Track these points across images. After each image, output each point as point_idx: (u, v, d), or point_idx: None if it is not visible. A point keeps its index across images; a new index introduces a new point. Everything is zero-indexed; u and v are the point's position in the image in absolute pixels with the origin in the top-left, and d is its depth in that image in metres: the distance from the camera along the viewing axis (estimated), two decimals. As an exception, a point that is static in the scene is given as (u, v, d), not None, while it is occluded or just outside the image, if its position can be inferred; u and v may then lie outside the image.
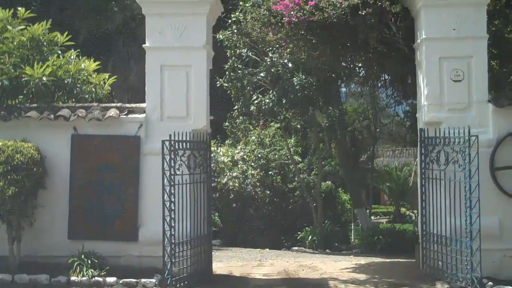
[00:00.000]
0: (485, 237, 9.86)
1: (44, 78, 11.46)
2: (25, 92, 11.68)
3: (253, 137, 23.95)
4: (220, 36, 19.69)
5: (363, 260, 15.25)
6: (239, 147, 23.75)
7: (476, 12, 11.08)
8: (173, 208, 10.05)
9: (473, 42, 11.08)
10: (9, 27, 12.13)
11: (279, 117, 21.43)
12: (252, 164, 22.93)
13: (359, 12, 11.39)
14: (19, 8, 12.94)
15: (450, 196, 10.42)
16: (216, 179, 21.35)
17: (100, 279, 10.31)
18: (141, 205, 11.23)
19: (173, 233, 10.04)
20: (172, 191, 10.05)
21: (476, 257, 9.74)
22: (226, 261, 14.72)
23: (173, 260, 10.09)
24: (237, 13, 18.99)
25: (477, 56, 11.06)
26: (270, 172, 23.01)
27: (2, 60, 11.61)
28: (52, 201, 11.19)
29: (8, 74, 11.44)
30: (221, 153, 23.18)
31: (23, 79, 11.54)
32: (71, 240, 11.16)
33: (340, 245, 20.80)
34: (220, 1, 12.13)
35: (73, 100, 12.14)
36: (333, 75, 18.72)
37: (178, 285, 10.20)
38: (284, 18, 12.04)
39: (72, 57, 12.74)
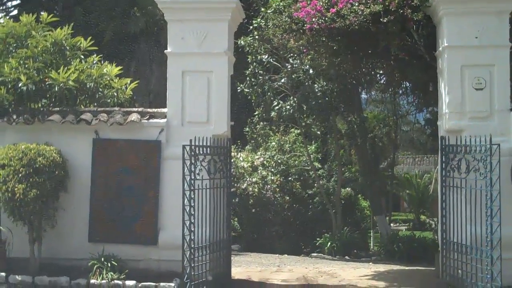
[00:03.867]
0: (506, 246, 9.79)
1: (70, 82, 11.58)
2: (48, 96, 11.82)
3: (273, 143, 23.95)
4: (242, 42, 19.78)
5: (382, 268, 15.18)
6: (259, 153, 23.76)
7: (498, 20, 11.03)
8: (193, 212, 10.08)
9: (495, 51, 11.04)
10: (33, 32, 12.27)
11: (299, 123, 21.45)
12: (272, 169, 22.93)
13: (381, 20, 11.39)
14: (42, 13, 13.08)
15: (470, 205, 10.35)
16: (235, 184, 21.38)
17: (119, 282, 10.34)
18: (161, 209, 11.30)
19: (192, 237, 10.07)
20: (192, 196, 10.09)
21: (497, 266, 9.67)
22: (245, 266, 14.73)
23: (193, 265, 10.12)
24: (259, 20, 19.06)
25: (499, 65, 11.02)
26: (289, 178, 22.98)
27: (26, 65, 11.75)
28: (73, 204, 11.30)
29: (32, 79, 11.57)
30: (241, 158, 23.21)
31: (46, 83, 11.68)
32: (91, 243, 11.24)
33: (359, 252, 20.70)
34: (241, 7, 12.16)
35: (95, 104, 12.25)
36: (354, 82, 18.72)
37: (196, 290, 10.25)
38: (305, 25, 12.07)
39: (94, 62, 12.84)
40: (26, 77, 11.49)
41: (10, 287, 10.40)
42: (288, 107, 20.01)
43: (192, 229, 10.06)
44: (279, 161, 23.06)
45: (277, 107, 20.27)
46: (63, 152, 11.09)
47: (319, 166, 24.22)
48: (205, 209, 10.53)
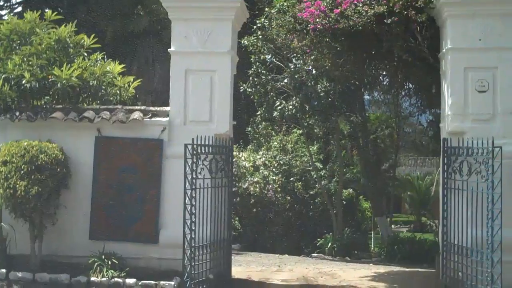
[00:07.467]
0: (506, 249, 9.74)
1: (74, 78, 11.57)
2: (51, 93, 11.82)
3: (275, 143, 23.96)
4: (245, 41, 19.77)
5: (382, 269, 15.18)
6: (261, 153, 23.77)
7: (503, 23, 10.98)
8: (194, 211, 10.07)
9: (499, 53, 11.00)
10: (37, 29, 12.28)
11: (301, 124, 21.45)
12: (274, 169, 22.93)
13: (385, 21, 11.36)
14: (47, 10, 13.09)
15: (472, 207, 10.33)
16: (237, 184, 21.38)
17: (119, 280, 10.37)
18: (162, 208, 11.30)
19: (193, 236, 10.06)
20: (194, 195, 10.07)
21: (497, 269, 9.65)
22: (245, 266, 14.73)
23: (193, 263, 10.12)
24: (262, 19, 19.08)
25: (502, 67, 10.98)
26: (291, 178, 22.99)
27: (30, 62, 11.75)
28: (75, 201, 11.29)
29: (35, 76, 11.57)
30: (243, 158, 23.22)
31: (49, 80, 11.68)
32: (92, 240, 11.24)
33: (359, 253, 20.74)
34: (245, 7, 12.16)
35: (98, 102, 12.26)
36: (357, 83, 18.70)
37: (197, 289, 10.25)
38: (309, 25, 12.05)
39: (97, 60, 12.85)
40: (29, 74, 11.49)
41: (10, 284, 10.42)
42: (290, 107, 20.02)
43: (193, 228, 10.05)
44: (281, 161, 23.07)
45: (279, 107, 20.27)
46: (65, 149, 11.09)
47: (321, 166, 24.22)
48: (206, 208, 10.52)
